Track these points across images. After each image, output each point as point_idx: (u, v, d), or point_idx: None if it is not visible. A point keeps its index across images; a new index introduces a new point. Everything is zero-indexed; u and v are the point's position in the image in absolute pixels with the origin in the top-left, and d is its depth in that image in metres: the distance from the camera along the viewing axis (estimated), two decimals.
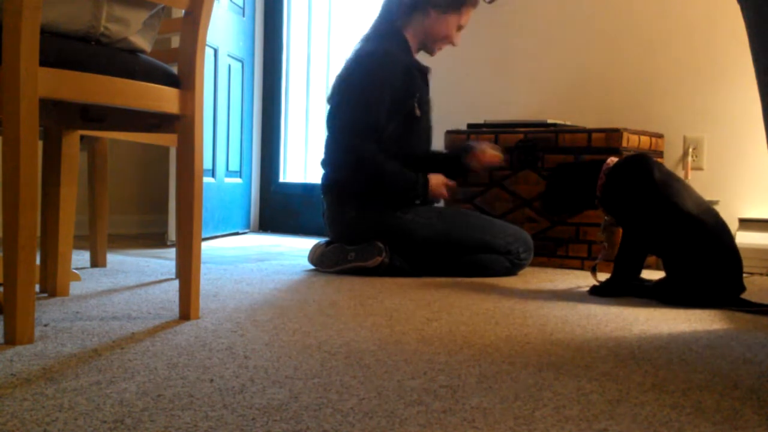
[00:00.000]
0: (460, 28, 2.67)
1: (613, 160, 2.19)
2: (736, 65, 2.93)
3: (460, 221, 2.60)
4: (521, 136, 2.96)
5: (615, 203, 2.16)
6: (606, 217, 2.24)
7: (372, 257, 2.47)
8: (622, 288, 2.13)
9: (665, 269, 2.10)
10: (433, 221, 2.57)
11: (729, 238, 2.01)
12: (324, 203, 2.73)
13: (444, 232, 2.56)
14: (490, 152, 2.64)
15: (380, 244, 2.48)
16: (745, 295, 2.01)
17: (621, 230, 2.21)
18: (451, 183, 2.64)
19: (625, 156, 2.19)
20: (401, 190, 2.55)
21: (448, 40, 2.68)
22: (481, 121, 3.19)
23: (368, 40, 2.67)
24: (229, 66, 3.95)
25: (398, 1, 2.61)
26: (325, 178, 2.71)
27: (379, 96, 2.51)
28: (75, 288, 2.03)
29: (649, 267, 2.19)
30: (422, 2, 2.58)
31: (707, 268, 1.98)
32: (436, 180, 2.60)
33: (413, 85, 2.62)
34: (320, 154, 2.77)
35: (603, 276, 2.31)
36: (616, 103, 3.19)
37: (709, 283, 1.98)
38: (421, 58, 2.77)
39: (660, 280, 2.09)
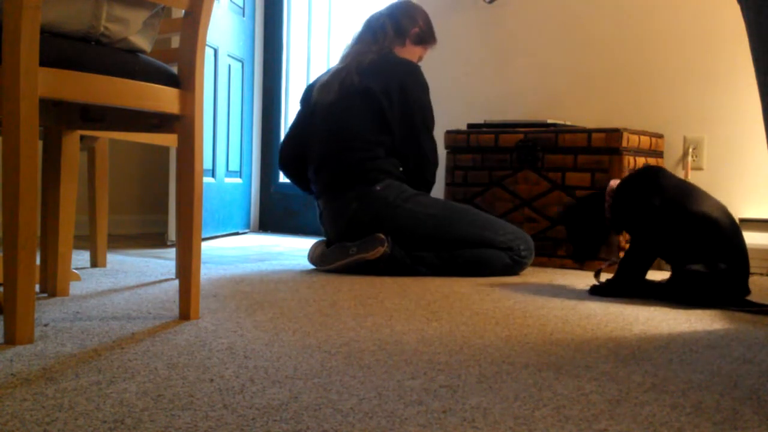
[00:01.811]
0: (420, 59, 2.94)
1: (615, 181, 2.20)
2: (736, 65, 2.93)
3: (461, 215, 2.61)
4: (521, 136, 2.96)
5: (626, 218, 2.15)
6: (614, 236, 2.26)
7: (374, 248, 2.48)
8: (624, 289, 2.12)
9: (672, 268, 2.10)
10: (435, 212, 2.60)
11: (741, 239, 2.01)
12: (320, 206, 2.73)
13: (445, 226, 2.58)
14: None
15: (381, 236, 2.49)
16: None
17: (625, 233, 2.21)
18: None
19: (631, 172, 2.19)
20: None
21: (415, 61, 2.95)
22: (481, 121, 3.19)
23: (373, 48, 2.75)
24: (229, 66, 3.95)
25: (384, 29, 2.82)
26: (319, 180, 2.71)
27: (429, 98, 2.78)
28: (75, 288, 2.03)
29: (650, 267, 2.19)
30: (404, 33, 2.85)
31: (720, 264, 1.97)
32: None
33: None
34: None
35: (604, 275, 2.31)
36: (616, 103, 3.19)
37: (719, 283, 1.97)
38: (424, 57, 2.98)
39: (671, 279, 2.08)
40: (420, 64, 2.82)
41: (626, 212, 2.14)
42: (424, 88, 2.74)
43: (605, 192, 2.20)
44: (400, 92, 2.66)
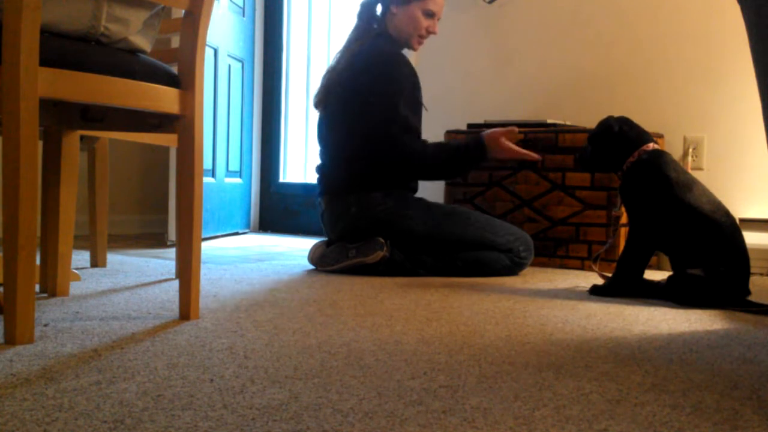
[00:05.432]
0: (432, 14, 2.68)
1: (646, 148, 2.14)
2: (736, 65, 2.93)
3: (461, 218, 2.61)
4: (521, 136, 2.96)
5: (631, 198, 2.15)
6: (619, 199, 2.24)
7: (373, 252, 2.48)
8: (624, 288, 2.13)
9: (673, 267, 2.10)
10: (435, 217, 2.59)
11: (741, 240, 2.01)
12: (321, 205, 2.73)
13: (445, 228, 2.57)
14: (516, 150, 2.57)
15: (381, 240, 2.49)
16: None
17: (625, 230, 2.20)
18: (510, 129, 2.57)
19: (643, 152, 2.13)
20: (459, 163, 2.60)
21: (418, 30, 2.68)
22: (481, 121, 3.19)
23: (362, 40, 2.68)
24: (229, 66, 3.95)
25: (371, 9, 2.69)
26: (322, 179, 2.72)
27: (400, 90, 2.57)
28: (75, 288, 2.03)
29: (650, 267, 2.19)
30: (385, 3, 2.67)
31: (720, 268, 1.97)
32: (492, 134, 2.55)
33: (416, 78, 2.69)
34: (317, 157, 2.79)
35: (604, 271, 2.31)
36: (616, 104, 3.18)
37: (718, 286, 1.97)
38: (423, 57, 2.86)
39: (670, 280, 2.08)
40: (419, 59, 2.78)
41: (635, 193, 2.13)
42: (388, 78, 2.56)
43: (634, 150, 2.15)
44: (367, 89, 2.56)
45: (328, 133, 2.72)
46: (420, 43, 2.74)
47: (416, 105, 2.64)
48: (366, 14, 2.71)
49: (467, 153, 2.57)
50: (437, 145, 2.61)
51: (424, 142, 2.63)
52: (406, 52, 2.76)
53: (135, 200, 4.25)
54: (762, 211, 2.91)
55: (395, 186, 2.63)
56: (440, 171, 2.66)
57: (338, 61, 2.70)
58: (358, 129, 2.60)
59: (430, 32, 2.70)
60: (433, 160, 2.58)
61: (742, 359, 1.38)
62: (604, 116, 2.26)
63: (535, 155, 2.54)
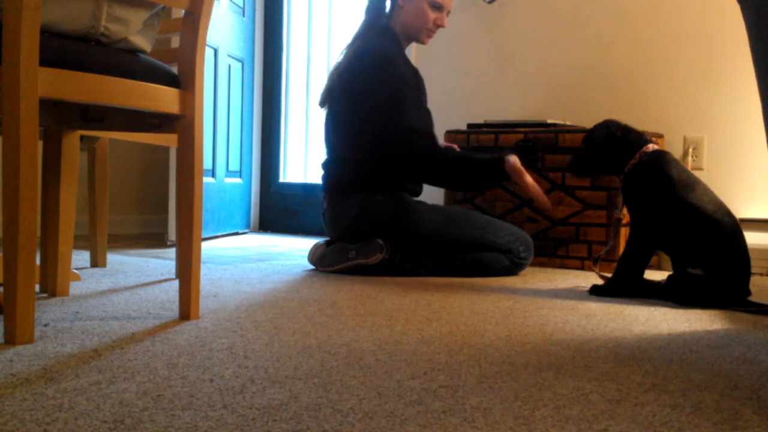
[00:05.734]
0: (439, 7, 2.64)
1: (647, 149, 2.14)
2: (736, 65, 2.93)
3: (461, 219, 2.60)
4: (521, 136, 2.96)
5: (634, 198, 2.15)
6: (620, 198, 2.24)
7: (373, 254, 2.47)
8: (624, 288, 2.13)
9: (674, 266, 2.10)
10: (435, 218, 2.58)
11: (742, 240, 2.01)
12: (324, 203, 2.73)
13: (445, 230, 2.57)
14: (539, 197, 2.45)
15: (380, 241, 2.49)
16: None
17: (626, 231, 2.20)
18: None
19: (644, 154, 2.13)
20: (476, 175, 2.53)
21: (426, 24, 2.64)
22: (481, 121, 3.19)
23: (364, 38, 2.66)
24: (229, 66, 3.95)
25: (378, 3, 2.66)
26: (326, 178, 2.72)
27: (403, 91, 2.54)
28: (75, 288, 2.03)
29: (650, 267, 2.19)
30: None
31: (720, 268, 1.97)
32: (513, 158, 2.47)
33: (420, 80, 2.69)
34: (321, 154, 2.79)
35: (604, 272, 2.31)
36: (616, 103, 3.19)
37: (717, 286, 1.97)
38: (423, 57, 2.82)
39: (670, 279, 2.08)
40: (419, 59, 2.78)
41: (637, 193, 2.13)
42: (390, 78, 2.53)
43: (636, 152, 2.14)
44: (371, 90, 2.54)
45: (333, 133, 2.72)
46: (429, 37, 2.70)
47: (420, 105, 2.63)
48: (373, 9, 2.69)
49: (482, 169, 2.51)
50: (454, 153, 2.57)
51: (449, 147, 2.61)
52: (407, 50, 2.76)
53: (135, 200, 4.25)
54: (762, 211, 2.91)
55: (398, 188, 2.63)
56: (448, 177, 2.59)
57: (341, 60, 2.69)
58: (365, 130, 2.60)
59: (438, 25, 2.67)
60: (444, 164, 2.54)
61: (742, 359, 1.38)
62: (604, 117, 2.26)
63: (549, 206, 2.46)
